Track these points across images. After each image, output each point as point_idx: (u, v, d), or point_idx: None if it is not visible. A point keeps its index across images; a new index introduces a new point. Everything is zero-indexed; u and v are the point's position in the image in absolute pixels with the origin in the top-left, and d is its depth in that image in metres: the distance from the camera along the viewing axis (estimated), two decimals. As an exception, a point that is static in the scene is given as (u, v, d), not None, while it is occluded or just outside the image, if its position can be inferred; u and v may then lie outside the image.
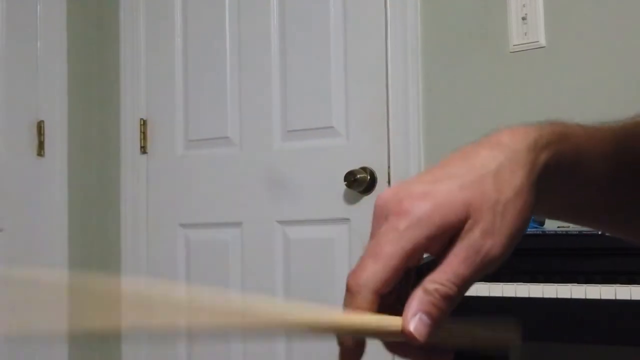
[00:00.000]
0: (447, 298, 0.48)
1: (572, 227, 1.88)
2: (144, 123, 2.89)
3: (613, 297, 1.59)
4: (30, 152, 2.80)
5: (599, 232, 1.72)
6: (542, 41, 2.19)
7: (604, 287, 1.61)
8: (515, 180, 0.50)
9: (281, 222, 2.61)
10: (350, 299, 0.49)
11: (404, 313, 0.48)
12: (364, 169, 2.43)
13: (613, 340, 1.66)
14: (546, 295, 1.66)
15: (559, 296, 1.65)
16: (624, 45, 2.10)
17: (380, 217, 0.50)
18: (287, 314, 0.46)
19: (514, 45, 2.23)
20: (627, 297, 1.59)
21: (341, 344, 0.50)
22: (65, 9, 2.89)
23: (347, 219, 2.46)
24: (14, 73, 2.78)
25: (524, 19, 2.21)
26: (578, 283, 1.65)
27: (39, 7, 2.85)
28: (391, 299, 0.51)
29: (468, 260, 0.48)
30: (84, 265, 2.92)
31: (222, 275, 2.71)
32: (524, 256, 1.83)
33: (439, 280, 0.48)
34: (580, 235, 1.76)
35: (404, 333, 0.48)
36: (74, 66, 2.91)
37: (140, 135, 2.89)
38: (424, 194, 0.49)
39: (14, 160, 2.77)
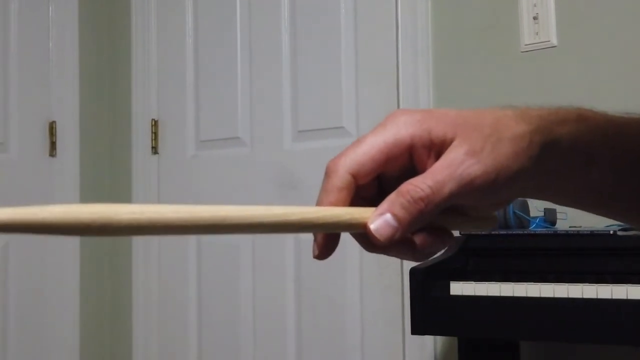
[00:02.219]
0: (418, 201, 0.46)
1: (584, 227, 1.88)
2: (155, 123, 2.90)
3: (625, 297, 1.59)
4: (42, 152, 2.82)
5: (610, 232, 1.71)
6: (554, 40, 2.19)
7: (615, 286, 1.61)
8: (517, 129, 0.49)
9: (292, 222, 2.60)
10: (326, 180, 0.49)
11: (373, 212, 0.47)
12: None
13: (626, 340, 1.66)
14: (557, 295, 1.66)
15: (570, 296, 1.64)
16: (635, 44, 2.09)
17: None
18: (257, 214, 0.45)
19: (525, 45, 2.23)
20: None
21: (315, 239, 0.50)
22: (76, 10, 2.90)
23: (358, 219, 2.46)
24: (26, 74, 2.80)
25: (535, 18, 2.21)
26: (589, 283, 1.64)
27: (50, 8, 2.86)
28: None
29: (448, 169, 0.47)
30: (95, 265, 2.93)
31: (233, 276, 2.72)
32: (535, 256, 1.82)
33: (415, 182, 0.47)
34: (591, 235, 1.75)
35: (366, 231, 0.47)
36: (85, 67, 2.92)
37: (152, 135, 2.89)
38: (421, 110, 0.49)
39: (26, 161, 2.79)
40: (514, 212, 1.91)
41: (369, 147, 0.49)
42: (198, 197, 2.81)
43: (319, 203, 0.50)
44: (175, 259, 2.85)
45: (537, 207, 1.98)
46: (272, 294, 2.64)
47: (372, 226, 0.47)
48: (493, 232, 1.90)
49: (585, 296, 1.63)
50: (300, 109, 2.62)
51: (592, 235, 1.75)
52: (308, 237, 2.45)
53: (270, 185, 2.64)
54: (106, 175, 2.98)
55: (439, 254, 2.11)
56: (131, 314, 2.90)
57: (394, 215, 0.47)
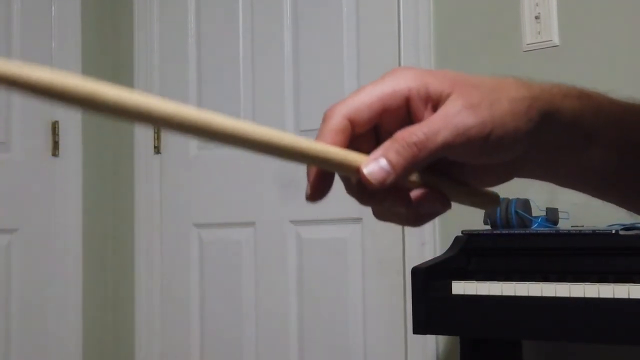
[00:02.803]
0: (412, 146, 0.46)
1: (586, 227, 1.88)
2: (157, 123, 2.90)
3: (626, 296, 1.59)
4: (45, 152, 2.82)
5: (612, 232, 1.71)
6: (556, 40, 2.19)
7: (617, 286, 1.61)
8: (516, 92, 0.49)
9: (294, 222, 2.61)
10: (322, 125, 0.49)
11: (367, 157, 0.47)
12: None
13: (628, 339, 1.66)
14: (559, 295, 1.66)
15: (572, 295, 1.64)
16: (637, 43, 2.09)
17: None
18: (244, 127, 0.44)
19: (527, 44, 2.23)
20: (641, 297, 1.59)
21: (308, 174, 0.50)
22: (79, 9, 2.91)
23: (360, 219, 2.46)
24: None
25: (537, 17, 2.21)
26: (591, 282, 1.64)
27: (53, 8, 2.87)
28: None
29: (444, 119, 0.47)
30: (98, 263, 2.93)
31: (235, 275, 2.72)
32: (537, 255, 1.82)
33: (410, 129, 0.47)
34: (593, 234, 1.75)
35: (359, 175, 0.47)
36: (88, 66, 2.93)
37: (154, 135, 2.90)
38: (421, 68, 0.50)
39: (29, 160, 2.79)
40: (516, 212, 1.91)
41: (367, 95, 0.49)
42: (200, 196, 2.81)
43: None
44: (178, 257, 2.85)
45: (539, 206, 1.98)
46: (274, 293, 2.64)
47: (366, 170, 0.46)
48: (495, 232, 1.91)
49: (587, 295, 1.63)
50: (302, 108, 2.62)
51: (594, 235, 1.75)
52: (310, 237, 2.45)
53: (272, 185, 2.64)
54: (109, 175, 2.99)
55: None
56: (133, 311, 2.90)
57: (388, 160, 0.46)
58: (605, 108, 0.54)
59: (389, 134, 0.49)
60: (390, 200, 0.49)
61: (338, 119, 0.49)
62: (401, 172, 0.47)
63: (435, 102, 0.49)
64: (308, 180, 0.50)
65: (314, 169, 0.49)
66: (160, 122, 0.42)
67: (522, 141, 0.49)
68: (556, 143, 0.52)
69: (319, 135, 0.49)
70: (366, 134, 0.50)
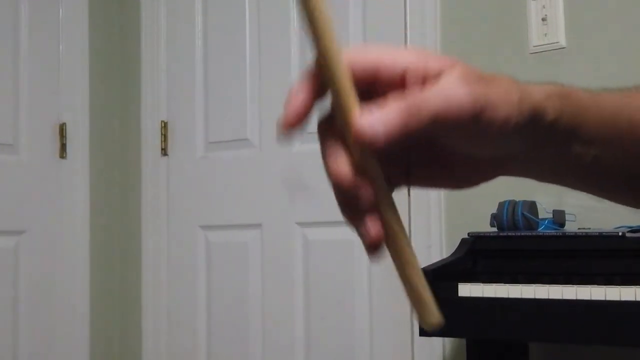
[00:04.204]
0: (405, 109, 0.46)
1: (592, 229, 1.88)
2: (164, 125, 2.91)
3: (633, 299, 1.58)
4: (52, 154, 2.83)
5: (619, 234, 1.71)
6: (562, 42, 2.18)
7: (623, 288, 1.60)
8: (512, 86, 0.50)
9: (300, 224, 2.61)
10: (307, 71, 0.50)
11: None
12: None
13: (634, 341, 1.65)
14: (565, 297, 1.66)
15: (579, 297, 1.64)
16: (644, 45, 2.09)
17: None
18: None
19: (534, 46, 2.23)
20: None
21: (293, 96, 0.51)
22: (87, 12, 2.91)
23: (367, 221, 2.46)
24: (36, 75, 2.81)
25: (544, 19, 2.21)
26: (598, 285, 1.64)
27: (61, 10, 2.88)
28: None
29: (439, 87, 0.47)
30: (105, 265, 2.94)
31: (241, 277, 2.72)
32: (543, 257, 1.82)
33: (404, 94, 0.48)
34: (600, 236, 1.75)
35: (353, 132, 0.47)
36: (95, 69, 2.94)
37: (161, 137, 2.90)
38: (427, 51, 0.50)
39: (36, 162, 2.80)
40: (523, 214, 1.91)
41: (367, 50, 0.50)
42: (207, 198, 2.81)
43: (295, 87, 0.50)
44: (184, 258, 2.86)
45: (545, 208, 1.98)
46: (280, 295, 2.64)
47: (362, 120, 0.47)
48: (501, 234, 1.90)
49: (593, 298, 1.63)
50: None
51: (601, 237, 1.74)
52: (317, 239, 2.45)
53: (279, 186, 2.65)
54: (116, 177, 2.99)
55: (442, 256, 2.11)
56: (141, 313, 2.91)
57: (384, 115, 0.46)
58: (584, 105, 0.55)
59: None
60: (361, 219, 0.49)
61: (342, 64, 0.49)
62: (394, 129, 0.46)
63: (432, 79, 0.49)
64: (288, 106, 0.51)
65: (299, 98, 0.51)
66: None
67: (510, 133, 0.50)
68: (539, 142, 0.52)
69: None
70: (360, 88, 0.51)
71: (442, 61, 0.49)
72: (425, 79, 0.49)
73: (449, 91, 0.47)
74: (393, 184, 0.51)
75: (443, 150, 0.51)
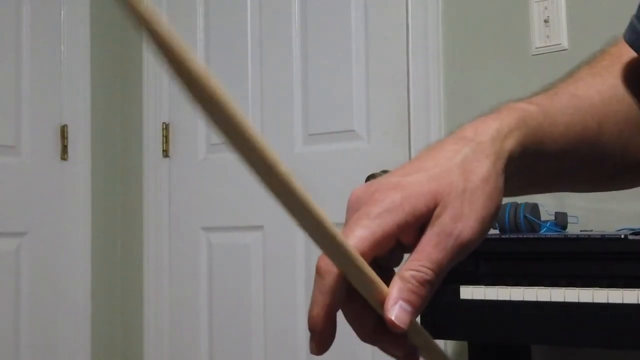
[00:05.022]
0: (424, 283, 0.49)
1: (595, 232, 1.87)
2: (166, 127, 2.91)
3: (636, 302, 1.58)
4: (54, 155, 2.83)
5: (622, 237, 1.71)
6: (565, 44, 2.18)
7: (626, 291, 1.60)
8: (481, 169, 0.51)
9: (302, 226, 2.61)
10: (319, 281, 0.51)
11: (385, 303, 0.49)
12: (385, 172, 2.43)
13: (637, 344, 1.65)
14: (568, 300, 1.65)
15: (581, 300, 1.64)
16: (647, 47, 2.08)
17: (353, 209, 0.51)
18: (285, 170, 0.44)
19: (536, 48, 2.22)
20: (651, 302, 1.58)
21: (314, 314, 0.51)
22: (88, 14, 2.92)
23: (368, 223, 2.46)
24: (38, 78, 2.81)
25: (546, 21, 2.21)
26: (600, 287, 1.63)
27: (62, 12, 2.88)
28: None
29: (440, 244, 0.49)
30: (106, 267, 2.94)
31: (243, 279, 2.72)
32: (545, 260, 1.82)
33: (414, 267, 0.49)
34: (602, 239, 1.75)
35: (386, 321, 0.49)
36: (97, 70, 2.94)
37: (163, 139, 2.90)
38: (395, 185, 0.50)
39: (38, 164, 2.80)
40: (525, 216, 1.91)
41: (359, 241, 0.49)
42: (209, 200, 2.81)
43: (314, 304, 0.52)
44: (186, 260, 2.85)
45: (547, 211, 1.98)
46: (282, 296, 2.64)
47: (392, 315, 0.49)
48: (503, 236, 1.90)
49: (596, 301, 1.62)
50: (310, 112, 2.62)
51: (603, 240, 1.74)
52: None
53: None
54: (117, 179, 2.99)
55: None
56: (142, 314, 2.91)
57: (407, 301, 0.49)
58: (540, 126, 0.58)
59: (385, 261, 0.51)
60: (394, 343, 0.53)
61: (335, 276, 0.50)
62: (420, 309, 0.50)
63: (423, 221, 0.50)
64: (314, 331, 0.52)
65: (320, 317, 0.52)
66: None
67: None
68: (512, 175, 0.55)
69: (317, 292, 0.51)
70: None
71: (424, 198, 0.50)
72: (416, 224, 0.50)
73: (452, 242, 0.50)
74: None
75: None
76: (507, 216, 1.91)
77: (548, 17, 2.20)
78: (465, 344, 2.09)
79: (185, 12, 2.90)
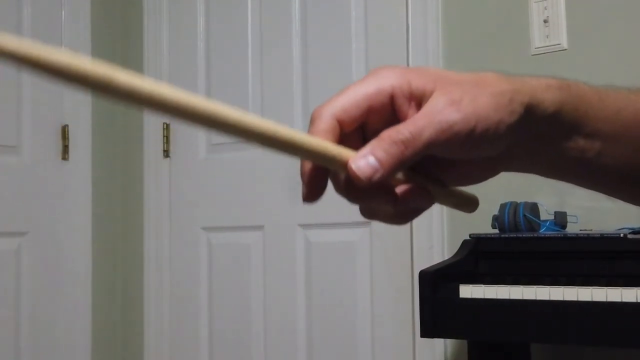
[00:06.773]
0: (397, 142, 0.48)
1: (594, 230, 1.88)
2: (166, 127, 2.91)
3: (635, 300, 1.58)
4: (54, 156, 2.84)
5: (621, 235, 1.71)
6: (564, 44, 2.19)
7: (625, 290, 1.61)
8: (499, 86, 0.50)
9: (303, 226, 2.61)
10: (311, 126, 0.51)
11: (355, 154, 0.49)
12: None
13: (636, 343, 1.65)
14: (567, 298, 1.66)
15: (580, 299, 1.64)
16: (646, 47, 2.09)
17: None
18: (247, 119, 0.46)
19: (535, 48, 2.23)
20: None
21: (303, 175, 0.51)
22: (89, 13, 2.92)
23: (368, 223, 2.46)
24: (38, 78, 2.81)
25: (545, 21, 2.21)
26: (599, 286, 1.64)
27: (63, 12, 2.88)
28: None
29: (428, 117, 0.48)
30: (107, 267, 2.94)
31: (243, 278, 2.73)
32: (545, 259, 1.82)
33: (396, 127, 0.48)
34: (601, 238, 1.75)
35: (347, 171, 0.48)
36: (97, 71, 2.94)
37: (163, 139, 2.91)
38: (403, 66, 0.52)
39: (39, 164, 2.81)
40: (524, 215, 1.91)
41: (353, 94, 0.50)
42: (209, 199, 2.82)
43: None
44: (186, 260, 2.86)
45: (547, 210, 1.98)
46: (282, 296, 2.65)
47: (354, 165, 0.48)
48: (503, 235, 1.91)
49: (595, 299, 1.63)
50: (311, 112, 2.61)
51: (602, 239, 1.75)
52: (319, 240, 2.44)
53: (281, 188, 2.65)
54: (118, 179, 3.00)
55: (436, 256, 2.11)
56: (142, 314, 2.91)
57: (376, 157, 0.48)
58: (587, 98, 0.55)
59: (375, 133, 0.50)
60: (377, 198, 0.51)
61: (326, 119, 0.50)
62: (388, 170, 0.48)
63: (418, 100, 0.50)
64: (303, 181, 0.51)
65: (307, 170, 0.51)
66: (166, 108, 0.44)
67: (506, 134, 0.50)
68: (539, 135, 0.53)
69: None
70: (353, 132, 0.51)
71: (425, 79, 0.50)
72: (411, 99, 0.50)
73: (440, 117, 0.48)
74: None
75: (438, 158, 0.52)
76: (506, 215, 1.91)
77: (548, 17, 2.21)
78: (464, 342, 2.09)
79: (186, 12, 2.91)
